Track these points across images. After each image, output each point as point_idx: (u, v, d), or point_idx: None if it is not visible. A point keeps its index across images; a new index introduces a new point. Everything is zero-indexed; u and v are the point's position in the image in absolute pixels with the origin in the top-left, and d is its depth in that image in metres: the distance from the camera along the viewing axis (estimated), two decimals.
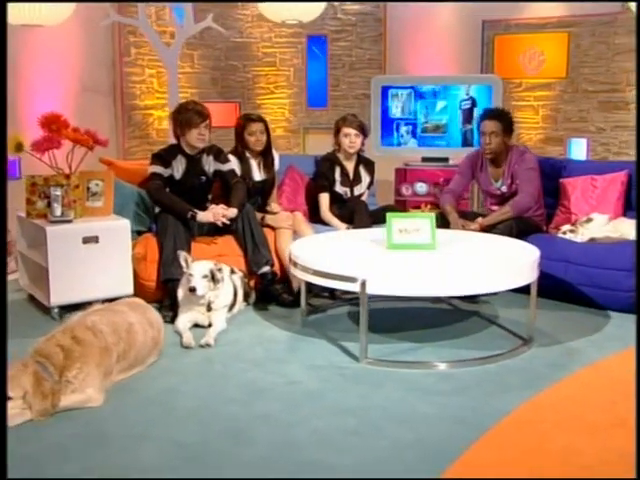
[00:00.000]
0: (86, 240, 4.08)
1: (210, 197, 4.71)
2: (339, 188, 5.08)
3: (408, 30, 7.02)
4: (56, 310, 4.07)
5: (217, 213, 4.27)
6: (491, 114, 4.83)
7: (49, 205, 4.19)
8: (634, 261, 4.02)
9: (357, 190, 5.16)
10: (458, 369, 3.34)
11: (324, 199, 5.03)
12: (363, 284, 3.35)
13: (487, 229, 4.51)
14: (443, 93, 6.02)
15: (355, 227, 4.79)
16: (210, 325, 3.88)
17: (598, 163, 5.57)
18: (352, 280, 3.40)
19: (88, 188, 4.33)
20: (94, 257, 4.10)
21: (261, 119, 4.86)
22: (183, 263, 3.84)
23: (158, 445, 2.60)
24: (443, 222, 4.55)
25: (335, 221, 4.93)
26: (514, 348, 3.59)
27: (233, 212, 4.33)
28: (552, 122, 6.75)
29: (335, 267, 3.48)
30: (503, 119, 4.78)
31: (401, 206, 5.75)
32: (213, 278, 3.80)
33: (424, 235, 3.78)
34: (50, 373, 2.85)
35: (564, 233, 4.55)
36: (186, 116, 4.39)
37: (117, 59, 6.50)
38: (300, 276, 3.79)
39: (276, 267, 4.47)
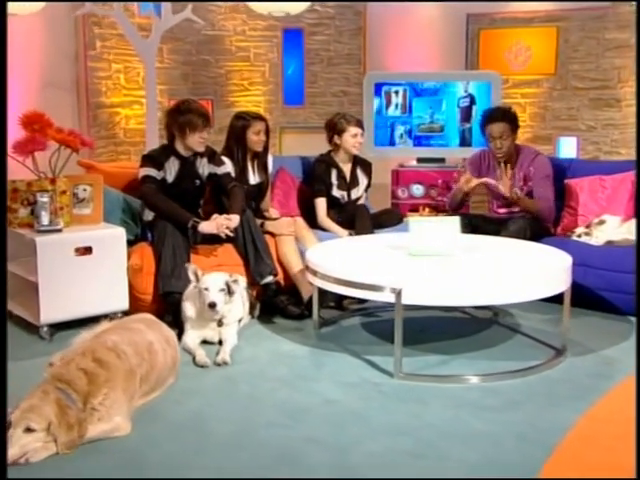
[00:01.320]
0: (79, 251, 3.92)
1: (202, 202, 4.61)
2: (336, 192, 5.03)
3: (389, 24, 7.03)
4: (45, 329, 3.90)
5: (221, 224, 4.16)
6: (497, 116, 4.84)
7: (32, 213, 4.02)
8: (634, 261, 4.09)
9: (354, 193, 5.12)
10: (500, 382, 3.33)
11: (321, 204, 4.96)
12: (399, 294, 3.30)
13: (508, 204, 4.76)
14: (440, 90, 6.03)
15: (357, 233, 4.74)
16: (220, 341, 3.78)
17: (604, 163, 5.66)
18: (384, 289, 3.35)
19: (75, 194, 4.17)
20: (87, 269, 3.94)
21: (263, 118, 4.78)
22: (192, 277, 3.72)
23: (209, 476, 2.49)
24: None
25: (335, 227, 4.87)
26: (550, 359, 3.60)
27: (236, 221, 4.23)
28: (540, 120, 6.85)
29: (368, 276, 3.42)
30: (509, 119, 4.81)
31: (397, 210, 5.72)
32: (229, 291, 3.69)
33: (448, 240, 3.76)
34: (73, 400, 2.71)
35: (579, 236, 4.60)
36: (188, 118, 4.26)
37: (81, 52, 6.29)
38: (320, 285, 3.73)
39: (279, 277, 4.38)
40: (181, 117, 4.29)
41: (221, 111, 6.77)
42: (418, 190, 5.83)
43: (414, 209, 5.74)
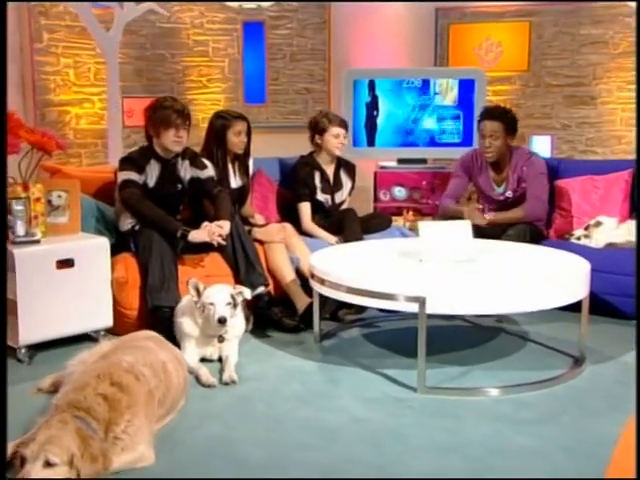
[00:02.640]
0: (60, 264, 3.78)
1: (181, 208, 4.52)
2: (320, 196, 5.01)
3: (355, 17, 7.05)
4: (24, 351, 3.74)
5: (213, 232, 4.08)
6: (490, 114, 4.90)
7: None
8: (634, 262, 4.21)
9: (338, 197, 5.11)
10: (527, 394, 3.36)
11: (306, 209, 4.93)
12: (422, 303, 3.30)
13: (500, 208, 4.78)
14: (420, 87, 6.07)
15: (346, 239, 4.73)
16: (220, 358, 3.71)
17: (593, 162, 5.80)
18: (405, 298, 3.34)
19: (49, 201, 4.02)
20: (69, 284, 3.81)
21: (245, 118, 4.72)
22: (193, 291, 3.63)
23: None
24: None
25: (322, 233, 4.85)
26: (571, 368, 3.66)
27: (228, 228, 4.16)
28: None
29: (386, 284, 3.41)
30: (504, 119, 4.87)
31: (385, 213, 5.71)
32: (234, 304, 3.63)
33: (460, 245, 3.79)
34: (94, 430, 2.60)
35: (578, 238, 4.71)
36: (163, 114, 4.17)
37: (26, 45, 6.07)
38: (329, 294, 3.70)
39: (269, 287, 4.33)
40: (156, 114, 4.20)
41: None
42: (400, 193, 5.86)
43: (397, 213, 5.76)
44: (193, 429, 3.00)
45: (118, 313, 4.03)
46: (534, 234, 4.69)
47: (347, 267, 3.76)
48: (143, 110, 4.39)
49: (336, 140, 4.92)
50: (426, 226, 3.80)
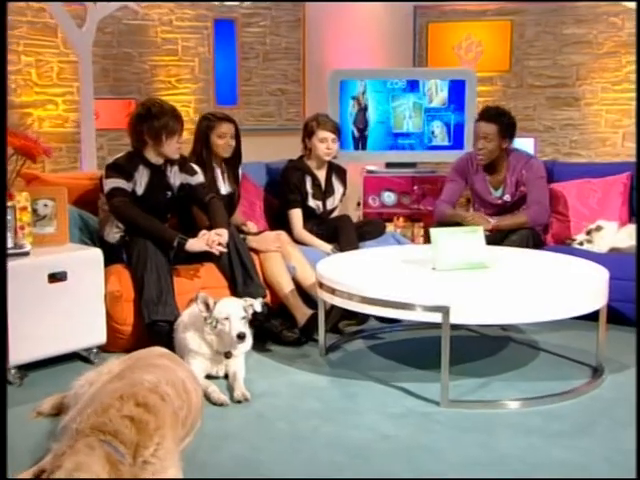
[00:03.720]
0: (52, 278, 3.70)
1: (169, 216, 4.49)
2: (311, 202, 5.01)
3: (331, 15, 7.09)
4: (14, 371, 3.66)
5: (212, 240, 4.05)
6: (486, 115, 4.98)
7: None
8: (635, 265, 4.32)
9: (329, 203, 5.13)
10: (553, 405, 3.42)
11: (297, 216, 4.94)
12: (446, 313, 3.33)
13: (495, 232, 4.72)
14: (409, 88, 6.10)
15: (342, 247, 4.75)
16: (226, 375, 3.68)
17: (588, 165, 5.92)
18: (428, 308, 3.37)
19: (34, 210, 3.95)
20: (62, 299, 3.74)
21: (231, 119, 4.71)
22: (202, 306, 3.60)
23: None
24: None
25: (316, 241, 4.86)
26: (592, 377, 3.74)
27: (227, 236, 4.14)
28: None
29: (406, 294, 3.43)
30: (500, 121, 4.93)
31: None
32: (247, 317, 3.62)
33: (475, 252, 3.84)
34: (122, 454, 2.55)
35: (580, 244, 4.80)
36: (164, 121, 4.15)
37: None
38: (340, 304, 3.72)
39: (267, 298, 4.32)
40: (156, 121, 4.16)
41: None
42: (389, 198, 5.88)
43: (387, 219, 5.78)
44: (215, 450, 2.98)
45: (111, 329, 3.97)
46: (536, 239, 4.77)
47: (359, 276, 3.78)
48: (130, 116, 4.34)
49: (322, 145, 4.93)
50: (438, 233, 3.84)
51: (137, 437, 2.60)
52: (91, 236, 4.38)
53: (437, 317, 3.37)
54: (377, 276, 3.80)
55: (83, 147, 5.62)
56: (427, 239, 5.65)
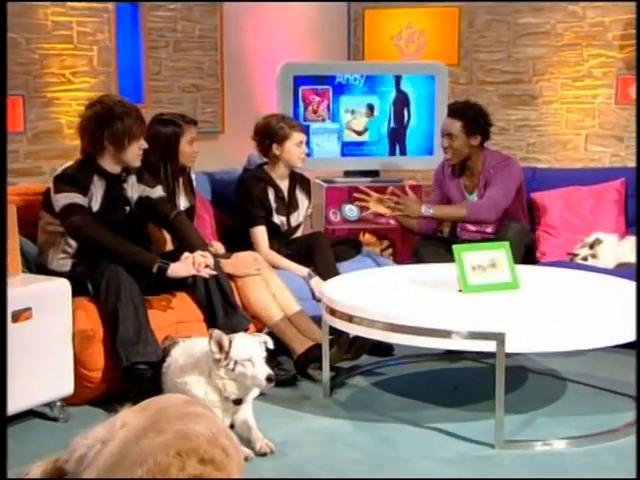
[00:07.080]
0: (16, 316, 3.58)
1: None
2: (275, 217, 5.06)
3: None
4: None
5: (198, 263, 4.03)
6: (453, 110, 5.23)
7: None
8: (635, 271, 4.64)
9: (294, 219, 5.20)
10: (618, 442, 3.61)
11: (262, 234, 4.97)
12: (502, 341, 3.46)
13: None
14: (370, 86, 6.21)
15: (318, 269, 4.82)
16: (233, 424, 3.68)
17: (574, 171, 6.20)
18: (480, 336, 3.50)
19: None
20: (27, 341, 3.61)
21: (196, 122, 4.73)
22: (214, 347, 3.56)
23: None
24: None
25: (288, 263, 4.91)
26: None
27: (211, 257, 4.12)
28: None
29: (451, 321, 3.55)
30: (465, 116, 5.15)
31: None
32: None
33: (502, 271, 4.01)
34: None
35: (584, 259, 5.06)
36: (128, 124, 4.10)
37: None
38: (362, 333, 3.83)
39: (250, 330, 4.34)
40: (120, 124, 4.10)
41: (35, 112, 6.40)
42: (352, 212, 5.93)
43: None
44: None
45: (78, 376, 3.87)
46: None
47: (383, 300, 3.88)
48: (83, 117, 4.23)
49: (299, 149, 5.00)
50: (463, 251, 3.98)
51: None
52: (28, 263, 4.25)
53: (487, 345, 3.50)
54: (404, 300, 3.91)
55: None
56: (396, 258, 5.82)
